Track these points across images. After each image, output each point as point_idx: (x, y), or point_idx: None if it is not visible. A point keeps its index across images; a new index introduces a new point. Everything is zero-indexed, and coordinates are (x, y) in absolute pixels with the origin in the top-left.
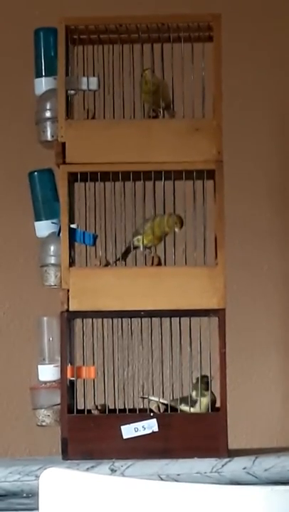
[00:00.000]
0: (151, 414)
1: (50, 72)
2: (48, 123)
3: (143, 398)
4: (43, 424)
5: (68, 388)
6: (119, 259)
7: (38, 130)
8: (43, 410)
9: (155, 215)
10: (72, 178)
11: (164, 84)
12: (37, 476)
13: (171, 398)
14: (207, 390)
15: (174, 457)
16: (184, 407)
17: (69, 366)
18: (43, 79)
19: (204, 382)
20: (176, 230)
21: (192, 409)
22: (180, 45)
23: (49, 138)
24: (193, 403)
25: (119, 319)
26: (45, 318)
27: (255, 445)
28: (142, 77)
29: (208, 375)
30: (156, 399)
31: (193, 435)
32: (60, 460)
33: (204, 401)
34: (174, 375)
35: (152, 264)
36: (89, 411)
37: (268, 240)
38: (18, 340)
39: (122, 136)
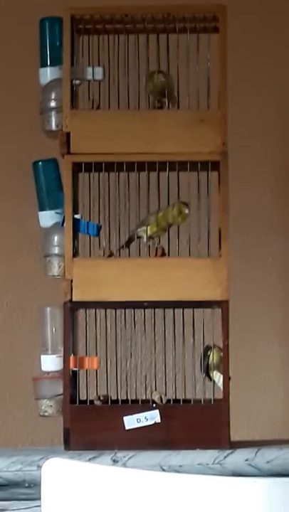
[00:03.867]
0: (154, 405)
1: (56, 61)
2: (53, 113)
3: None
4: (46, 414)
5: (71, 379)
6: (122, 246)
7: (42, 120)
8: (45, 400)
9: (159, 209)
10: (77, 168)
11: (169, 78)
12: (39, 466)
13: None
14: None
15: (176, 448)
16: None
17: (72, 356)
18: (48, 68)
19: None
20: (187, 211)
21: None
22: (185, 35)
23: (54, 128)
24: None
25: (123, 310)
26: (48, 309)
27: (257, 437)
28: (149, 77)
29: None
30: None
31: (195, 426)
32: (62, 450)
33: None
34: (176, 367)
35: (156, 255)
36: (91, 401)
37: (272, 232)
38: (21, 331)
39: (127, 127)
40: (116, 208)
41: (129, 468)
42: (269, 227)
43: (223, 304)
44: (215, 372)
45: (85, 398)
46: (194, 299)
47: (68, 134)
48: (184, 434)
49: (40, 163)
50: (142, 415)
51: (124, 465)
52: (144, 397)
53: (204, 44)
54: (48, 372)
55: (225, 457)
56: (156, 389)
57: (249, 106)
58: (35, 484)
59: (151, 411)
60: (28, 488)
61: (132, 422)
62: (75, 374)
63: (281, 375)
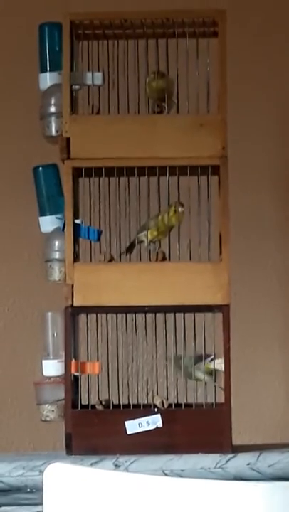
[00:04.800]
0: (156, 409)
1: (55, 67)
2: (53, 118)
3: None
4: (47, 419)
5: (72, 383)
6: (123, 252)
7: (42, 125)
8: (47, 405)
9: (159, 212)
10: (77, 173)
11: (169, 81)
12: (41, 471)
13: (176, 393)
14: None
15: (178, 453)
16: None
17: (73, 361)
18: (48, 74)
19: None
20: (181, 210)
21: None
22: (185, 40)
23: (54, 133)
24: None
25: (124, 315)
26: (49, 314)
27: (258, 441)
28: (148, 76)
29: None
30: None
31: (197, 431)
32: (64, 455)
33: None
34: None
35: (157, 259)
36: (93, 406)
37: (273, 236)
38: (23, 336)
39: (127, 132)
40: (116, 212)
41: (131, 473)
42: (269, 230)
43: (224, 308)
44: (217, 360)
45: (86, 403)
46: (195, 304)
47: (68, 139)
48: (185, 439)
49: (40, 168)
50: (143, 420)
51: (126, 470)
52: (145, 402)
53: (203, 49)
54: (49, 377)
55: (227, 461)
56: (157, 393)
57: (249, 110)
58: (37, 489)
59: (153, 415)
60: (30, 494)
61: (133, 426)
62: (76, 379)
63: (282, 378)
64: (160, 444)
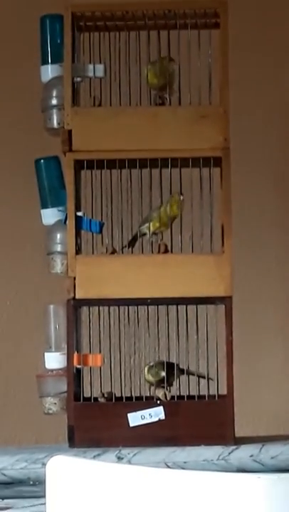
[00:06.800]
0: (158, 402)
1: (57, 59)
2: (54, 110)
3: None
4: (50, 412)
5: (75, 376)
6: (126, 246)
7: (44, 117)
8: (49, 398)
9: (161, 204)
10: (79, 165)
11: (171, 71)
12: (44, 464)
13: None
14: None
15: (180, 445)
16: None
17: (75, 354)
18: (49, 66)
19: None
20: (181, 198)
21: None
22: (186, 31)
23: (55, 125)
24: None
25: (126, 307)
26: (51, 306)
27: (261, 433)
28: (159, 61)
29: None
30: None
31: (199, 423)
32: (67, 448)
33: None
34: (180, 363)
35: (159, 251)
36: (95, 399)
37: (275, 228)
38: (25, 328)
39: (129, 124)
40: (118, 204)
41: (134, 465)
42: (271, 222)
43: (226, 300)
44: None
45: (89, 395)
46: (198, 296)
47: (70, 132)
48: (188, 431)
49: (42, 161)
50: (146, 412)
51: (129, 462)
52: (148, 394)
53: (205, 40)
54: (51, 370)
55: (229, 453)
56: (160, 385)
57: (251, 101)
58: (40, 482)
59: (155, 408)
60: (33, 486)
61: (136, 418)
62: (78, 371)
63: (285, 370)
64: (163, 436)
